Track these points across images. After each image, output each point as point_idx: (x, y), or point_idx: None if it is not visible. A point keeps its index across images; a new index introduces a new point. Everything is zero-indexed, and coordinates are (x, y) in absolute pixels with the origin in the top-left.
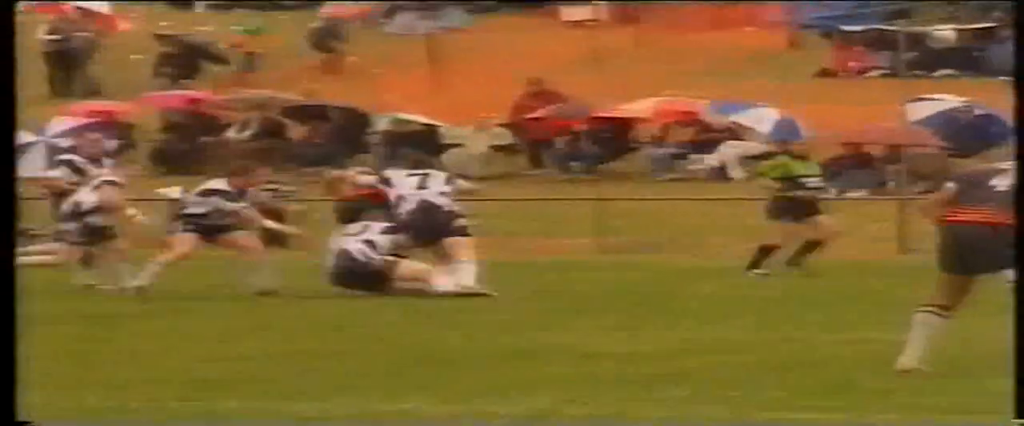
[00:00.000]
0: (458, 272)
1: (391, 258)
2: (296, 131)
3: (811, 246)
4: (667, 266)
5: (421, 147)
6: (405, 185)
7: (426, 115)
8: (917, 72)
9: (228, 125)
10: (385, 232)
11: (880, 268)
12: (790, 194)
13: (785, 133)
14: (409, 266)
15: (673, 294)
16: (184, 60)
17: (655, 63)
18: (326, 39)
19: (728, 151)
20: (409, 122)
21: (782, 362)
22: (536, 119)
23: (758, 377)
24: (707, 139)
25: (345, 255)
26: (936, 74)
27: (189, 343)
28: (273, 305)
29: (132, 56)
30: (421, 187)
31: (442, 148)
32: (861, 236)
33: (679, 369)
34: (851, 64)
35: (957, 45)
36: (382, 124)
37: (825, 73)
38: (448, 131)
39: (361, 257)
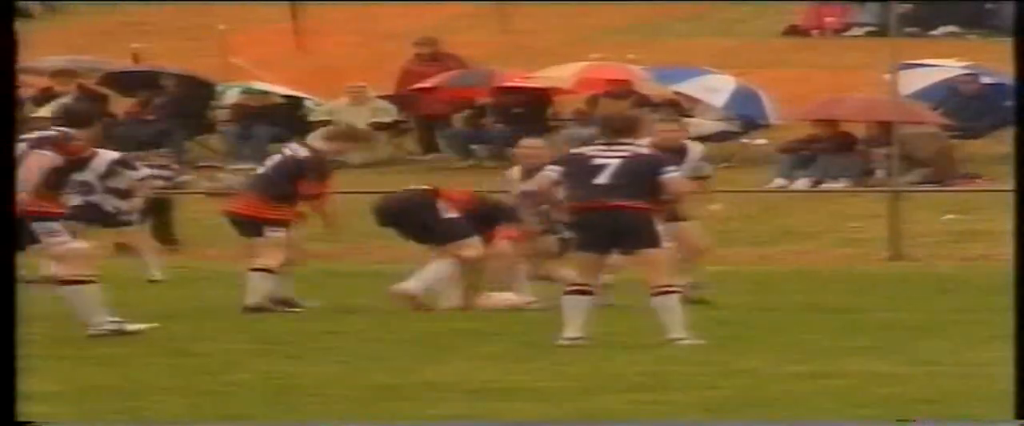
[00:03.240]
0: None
1: None
2: (120, 105)
3: None
4: None
5: (281, 124)
6: None
7: (287, 84)
8: (911, 29)
9: (37, 99)
10: None
11: (865, 279)
12: None
13: (745, 107)
14: None
15: (594, 315)
16: None
17: (577, 16)
18: None
19: None
20: (265, 93)
21: (723, 402)
22: (428, 89)
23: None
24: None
25: None
26: (936, 32)
27: None
28: None
29: None
30: None
31: (308, 126)
32: (841, 238)
33: (591, 408)
34: (828, 19)
35: None
36: (231, 95)
37: (794, 30)
38: (316, 105)
39: None
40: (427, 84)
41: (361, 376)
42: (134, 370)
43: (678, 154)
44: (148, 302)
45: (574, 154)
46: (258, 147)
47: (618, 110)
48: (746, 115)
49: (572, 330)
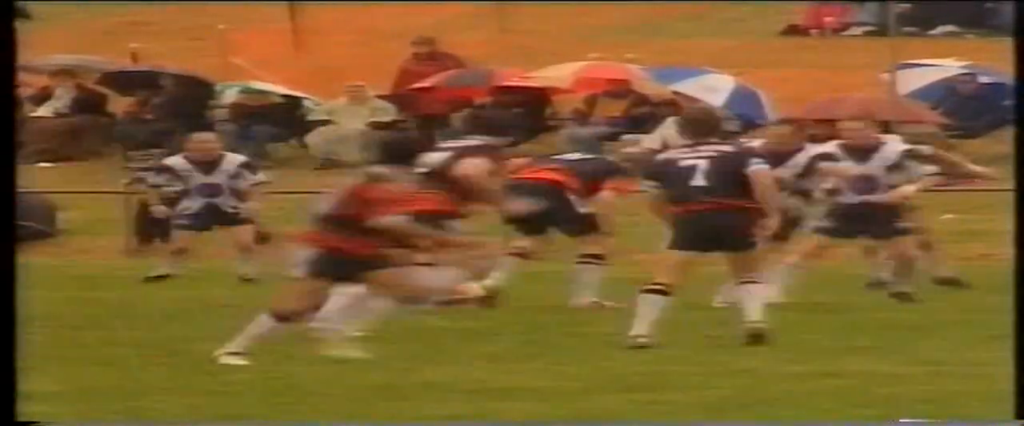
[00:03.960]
0: None
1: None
2: (119, 104)
3: None
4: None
5: (280, 124)
6: None
7: (287, 84)
8: (910, 29)
9: (37, 98)
10: None
11: (865, 279)
12: None
13: (744, 106)
14: None
15: (594, 315)
16: None
17: (576, 16)
18: None
19: (672, 130)
20: (264, 93)
21: (723, 402)
22: (426, 89)
23: (694, 421)
24: (644, 114)
25: None
26: (935, 31)
27: None
28: None
29: None
30: None
31: (307, 126)
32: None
33: (591, 408)
34: (827, 18)
35: None
36: (230, 95)
37: (794, 30)
38: (315, 104)
39: None
40: (425, 84)
41: (361, 376)
42: (134, 370)
43: (866, 152)
44: (149, 302)
45: (662, 161)
46: (257, 147)
47: (697, 109)
48: (745, 115)
49: (640, 327)
